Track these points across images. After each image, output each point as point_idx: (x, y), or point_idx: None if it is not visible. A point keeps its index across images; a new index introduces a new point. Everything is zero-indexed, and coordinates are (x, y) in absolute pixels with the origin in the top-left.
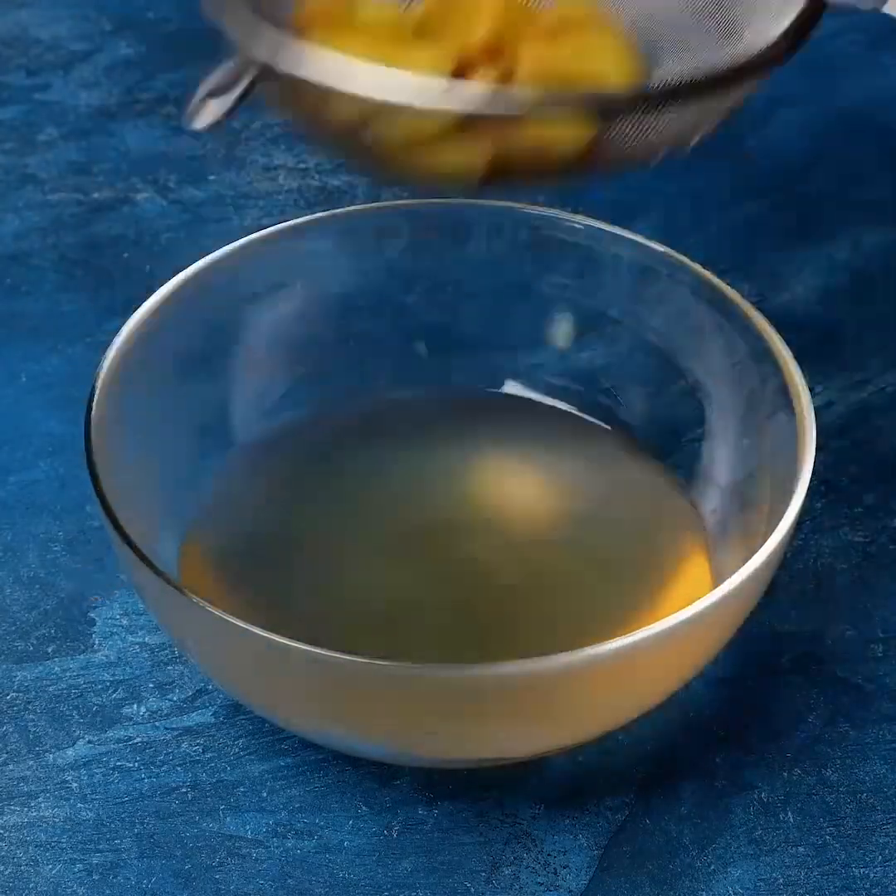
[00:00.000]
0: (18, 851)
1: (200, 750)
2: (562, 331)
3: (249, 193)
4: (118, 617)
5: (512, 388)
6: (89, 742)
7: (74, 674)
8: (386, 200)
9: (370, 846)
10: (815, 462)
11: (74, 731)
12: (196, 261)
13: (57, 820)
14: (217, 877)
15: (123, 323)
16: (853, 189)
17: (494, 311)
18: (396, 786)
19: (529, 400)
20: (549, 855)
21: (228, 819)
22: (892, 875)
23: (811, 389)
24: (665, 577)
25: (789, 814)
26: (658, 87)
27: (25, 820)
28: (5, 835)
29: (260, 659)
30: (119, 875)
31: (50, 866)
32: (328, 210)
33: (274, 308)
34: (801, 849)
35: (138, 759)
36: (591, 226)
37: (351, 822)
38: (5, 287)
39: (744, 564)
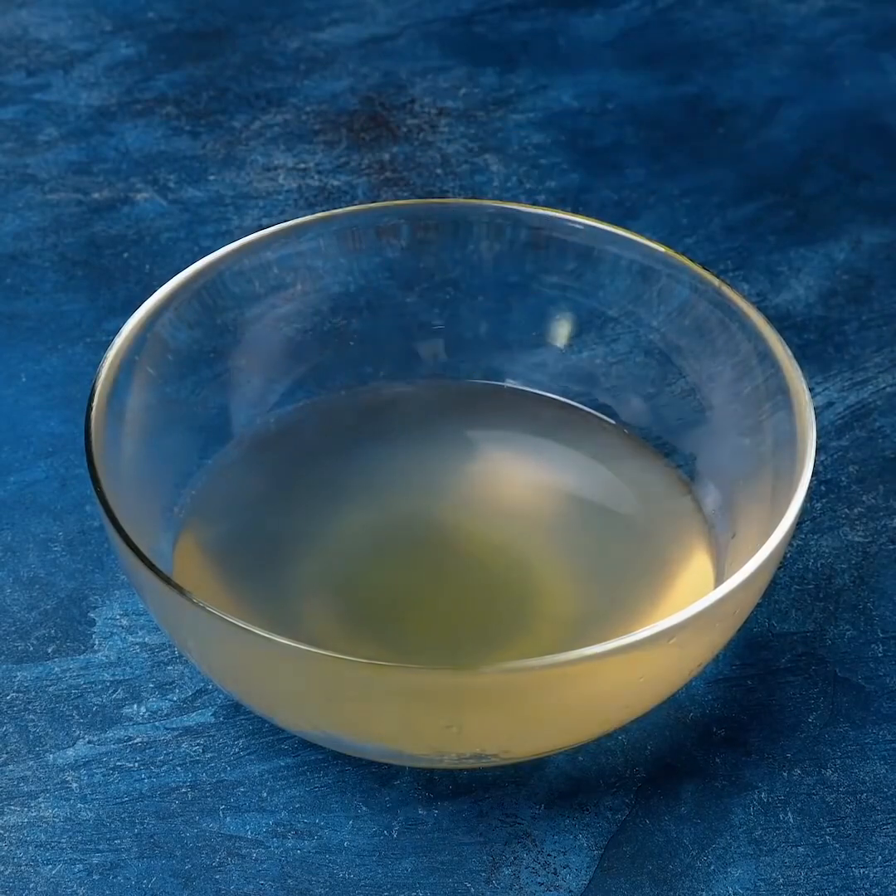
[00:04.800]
0: (18, 851)
1: (200, 750)
2: (562, 331)
3: (249, 193)
4: (118, 617)
5: (512, 387)
6: (89, 742)
7: (74, 674)
8: (386, 200)
9: (370, 846)
10: (815, 462)
11: (74, 731)
12: (196, 261)
13: (57, 820)
14: (217, 877)
15: (123, 323)
16: (853, 189)
17: (494, 310)
18: (396, 786)
19: (530, 399)
20: (549, 855)
21: (228, 819)
22: (892, 875)
23: (811, 389)
24: (667, 576)
25: (789, 814)
26: None
27: (25, 820)
28: (5, 835)
29: (259, 659)
30: (119, 875)
31: (50, 866)
32: (328, 210)
33: (274, 308)
34: (801, 849)
35: (138, 759)
36: (591, 226)
37: (351, 822)
38: (5, 287)
39: (744, 565)
